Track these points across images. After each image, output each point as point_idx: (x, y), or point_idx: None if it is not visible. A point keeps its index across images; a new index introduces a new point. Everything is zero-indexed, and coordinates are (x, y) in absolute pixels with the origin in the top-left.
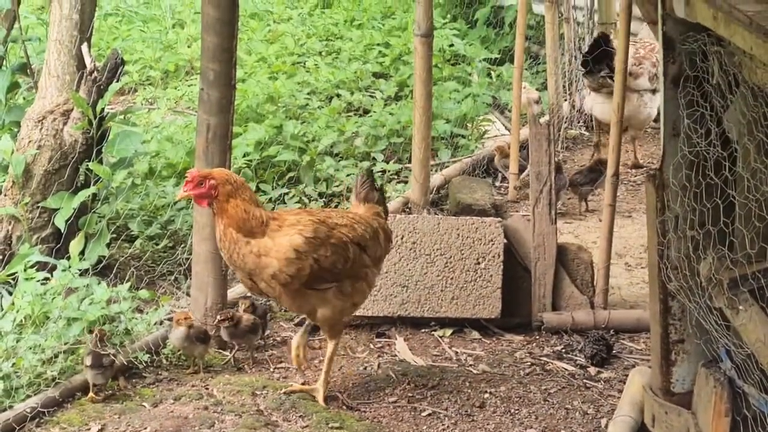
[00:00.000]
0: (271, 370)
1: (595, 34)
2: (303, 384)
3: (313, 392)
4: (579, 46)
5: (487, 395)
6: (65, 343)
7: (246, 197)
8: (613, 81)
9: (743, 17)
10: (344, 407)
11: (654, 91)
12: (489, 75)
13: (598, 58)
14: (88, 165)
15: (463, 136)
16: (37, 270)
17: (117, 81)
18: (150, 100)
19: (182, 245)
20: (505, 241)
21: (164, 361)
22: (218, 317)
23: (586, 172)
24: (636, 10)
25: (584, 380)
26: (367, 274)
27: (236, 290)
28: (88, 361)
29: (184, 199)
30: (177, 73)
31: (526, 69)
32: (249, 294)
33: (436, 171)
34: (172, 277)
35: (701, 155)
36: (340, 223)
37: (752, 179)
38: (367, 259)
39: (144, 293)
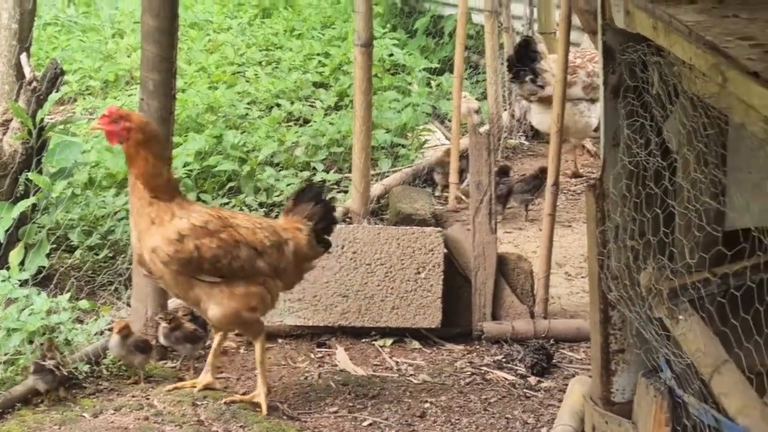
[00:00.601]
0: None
1: (518, 39)
2: (244, 394)
3: (255, 399)
4: None
5: (427, 405)
6: (5, 354)
7: (157, 152)
8: (538, 86)
9: (683, 27)
10: (285, 417)
11: (592, 101)
12: (429, 85)
13: (523, 63)
14: (27, 175)
15: (403, 146)
16: None
17: (56, 91)
18: (90, 110)
19: (123, 255)
20: (446, 250)
21: (105, 371)
22: (158, 316)
23: (529, 179)
24: (576, 20)
25: (524, 390)
26: (266, 281)
27: (177, 300)
28: (31, 368)
29: (95, 130)
30: (117, 83)
31: (465, 79)
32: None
33: (376, 181)
34: (113, 288)
35: (641, 165)
36: (242, 225)
37: (692, 189)
38: (264, 267)
39: (84, 303)
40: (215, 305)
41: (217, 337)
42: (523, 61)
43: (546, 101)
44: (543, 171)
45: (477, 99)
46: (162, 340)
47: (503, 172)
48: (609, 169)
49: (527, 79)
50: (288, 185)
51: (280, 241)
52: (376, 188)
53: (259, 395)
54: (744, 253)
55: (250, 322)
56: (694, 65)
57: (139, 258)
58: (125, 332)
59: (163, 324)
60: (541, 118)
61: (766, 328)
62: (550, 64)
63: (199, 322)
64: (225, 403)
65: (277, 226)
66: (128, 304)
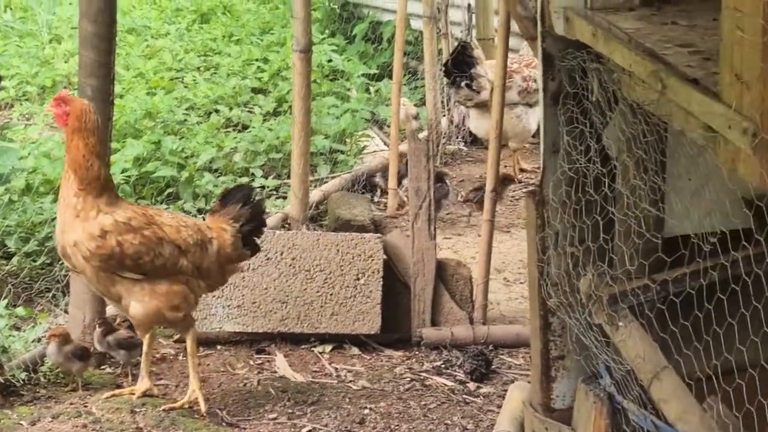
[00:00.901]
0: (150, 386)
1: (455, 44)
2: (181, 401)
3: (192, 397)
4: None
5: (366, 411)
6: None
7: (90, 143)
8: (474, 91)
9: (622, 35)
10: (224, 424)
11: (529, 105)
12: (367, 90)
13: (460, 68)
14: None
15: (342, 152)
16: None
17: None
18: (27, 116)
19: (60, 262)
20: (385, 256)
21: (42, 378)
22: (95, 321)
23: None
24: (515, 26)
25: (463, 395)
26: (188, 281)
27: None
28: None
29: (48, 113)
30: (54, 89)
31: (404, 84)
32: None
33: (315, 187)
34: (50, 294)
35: (581, 172)
36: (166, 223)
37: (631, 196)
38: (187, 265)
39: (21, 310)
40: (136, 302)
41: (145, 341)
42: (460, 66)
43: (483, 106)
44: (505, 178)
45: (415, 105)
46: (96, 346)
47: (439, 179)
48: (549, 176)
49: (463, 84)
50: None
51: (204, 240)
52: (315, 194)
53: (195, 391)
54: (683, 259)
55: (172, 320)
56: (633, 72)
57: (62, 250)
58: (63, 339)
59: (97, 330)
60: (478, 124)
61: (705, 335)
62: (486, 69)
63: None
64: (164, 410)
65: (201, 225)
66: (66, 311)
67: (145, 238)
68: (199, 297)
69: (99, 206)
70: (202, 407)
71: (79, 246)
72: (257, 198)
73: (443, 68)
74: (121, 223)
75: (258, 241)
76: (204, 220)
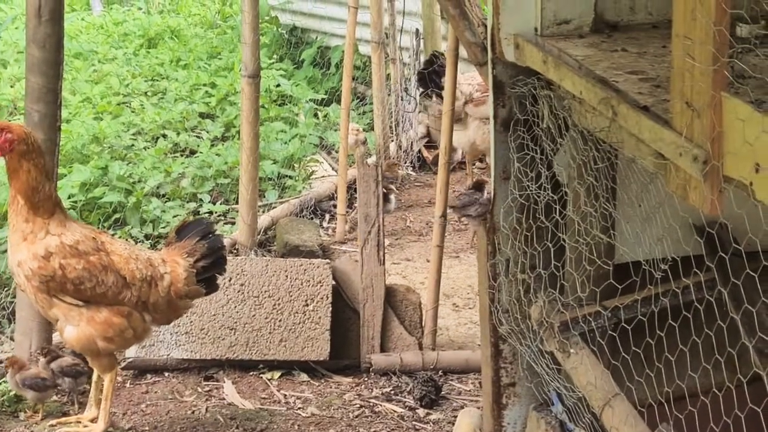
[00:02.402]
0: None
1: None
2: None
3: (90, 431)
4: (405, 87)
5: None
6: None
7: (40, 165)
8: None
9: (572, 62)
10: None
11: None
12: (316, 115)
13: (431, 79)
14: None
15: (291, 177)
16: None
17: None
18: None
19: (6, 288)
20: (334, 282)
21: None
22: (37, 351)
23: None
24: (463, 52)
25: (413, 422)
26: (131, 313)
27: None
28: None
29: None
30: (0, 113)
31: (353, 109)
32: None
33: (263, 212)
34: None
35: (532, 198)
36: (117, 252)
37: (582, 223)
38: (131, 298)
39: None
40: (72, 327)
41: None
42: (431, 77)
43: (458, 120)
44: (479, 183)
45: (364, 130)
46: (41, 374)
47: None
48: (499, 203)
49: (433, 96)
50: (174, 216)
51: (154, 276)
52: (264, 220)
53: (94, 430)
54: (634, 286)
55: (102, 351)
56: (584, 99)
57: (10, 268)
58: (16, 367)
59: (41, 358)
60: (457, 137)
61: (656, 362)
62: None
63: (82, 356)
64: (52, 424)
65: (155, 260)
66: (12, 338)
67: (90, 264)
68: (143, 331)
69: (48, 227)
70: None
71: (23, 266)
72: (215, 233)
73: (417, 76)
74: (68, 246)
75: (218, 278)
76: (151, 247)
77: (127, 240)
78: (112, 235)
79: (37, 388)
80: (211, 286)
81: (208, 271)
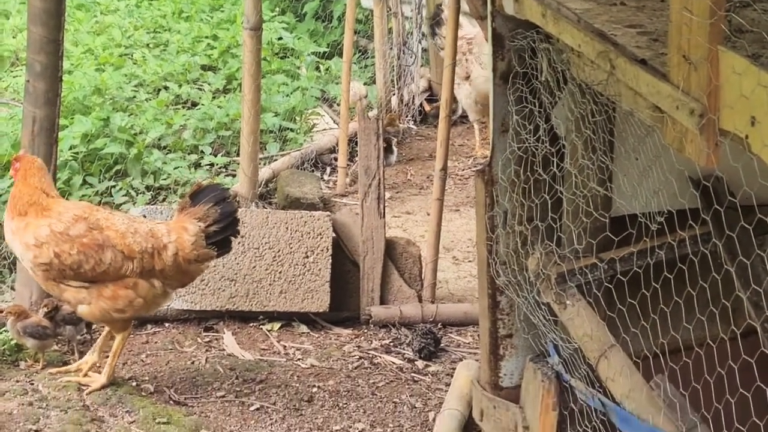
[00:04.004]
0: (97, 365)
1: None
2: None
3: (91, 382)
4: (405, 40)
5: (315, 389)
6: None
7: (33, 182)
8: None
9: (571, 15)
10: (171, 402)
11: None
12: (318, 69)
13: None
14: None
15: (292, 130)
16: None
17: None
18: None
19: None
20: (334, 235)
21: None
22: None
23: None
24: (464, 5)
25: (412, 374)
26: (136, 284)
27: None
28: None
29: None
30: (1, 64)
31: (354, 63)
32: None
33: (264, 164)
34: None
35: (530, 151)
36: (113, 227)
37: (579, 175)
38: (134, 270)
39: None
40: (84, 305)
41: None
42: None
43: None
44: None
45: (365, 84)
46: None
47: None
48: (498, 155)
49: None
50: (176, 168)
51: (156, 247)
52: (265, 172)
53: (96, 382)
54: (631, 239)
55: (117, 320)
56: (582, 52)
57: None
58: (19, 316)
59: (42, 308)
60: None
61: (652, 314)
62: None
63: None
64: (60, 380)
65: (158, 230)
66: (13, 288)
67: (84, 247)
68: (155, 296)
69: (37, 217)
70: (95, 387)
71: (23, 258)
72: (229, 199)
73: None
74: (58, 233)
75: (231, 240)
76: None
77: (128, 192)
78: (113, 186)
79: (37, 336)
80: (223, 248)
81: (220, 235)
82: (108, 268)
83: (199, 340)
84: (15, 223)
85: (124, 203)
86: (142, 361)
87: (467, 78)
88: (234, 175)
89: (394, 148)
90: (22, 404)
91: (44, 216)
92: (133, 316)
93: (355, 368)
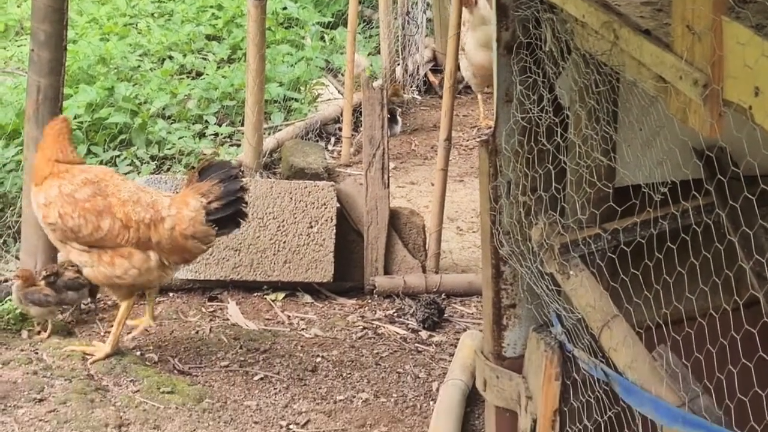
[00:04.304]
0: (102, 334)
1: None
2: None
3: (95, 351)
4: (410, 10)
5: (319, 359)
6: None
7: (47, 153)
8: None
9: None
10: (176, 371)
11: None
12: (322, 39)
13: None
14: None
15: (297, 100)
16: None
17: None
18: None
19: (12, 208)
20: (338, 205)
21: None
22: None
23: None
24: None
25: (416, 344)
26: (132, 254)
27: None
28: None
29: None
30: (6, 33)
31: (359, 33)
32: None
33: (269, 134)
34: (1, 240)
35: (533, 121)
36: (117, 195)
37: (583, 145)
38: (130, 239)
39: None
40: (87, 268)
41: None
42: None
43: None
44: None
45: (369, 54)
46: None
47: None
48: (502, 125)
49: None
50: (180, 138)
51: (154, 218)
52: (269, 142)
53: (100, 351)
54: (634, 209)
55: (119, 287)
56: (586, 22)
57: None
58: (26, 281)
59: (41, 273)
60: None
61: (655, 284)
62: None
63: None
64: (65, 350)
65: (160, 202)
66: (17, 257)
67: (85, 211)
68: (149, 269)
69: (53, 177)
70: (98, 357)
71: (38, 218)
72: (234, 177)
73: None
74: (65, 195)
75: (234, 220)
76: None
77: (132, 162)
78: (118, 156)
79: (40, 304)
80: (225, 227)
81: (221, 212)
82: (105, 235)
83: (204, 310)
84: (33, 191)
85: (129, 173)
86: (146, 330)
87: (463, 50)
88: (238, 145)
89: (399, 118)
90: (27, 373)
91: (58, 177)
92: (132, 285)
93: (359, 338)
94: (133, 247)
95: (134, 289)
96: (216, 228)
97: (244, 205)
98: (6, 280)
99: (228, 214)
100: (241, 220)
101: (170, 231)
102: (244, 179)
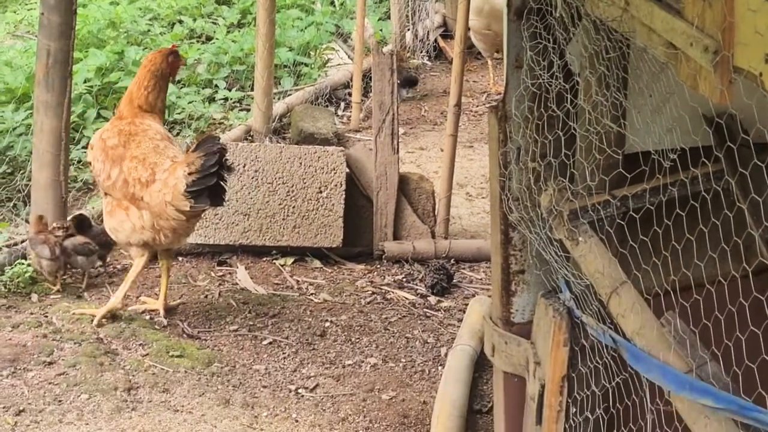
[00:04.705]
0: (111, 298)
1: None
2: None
3: (99, 311)
4: None
5: (328, 324)
6: None
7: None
8: None
9: None
10: (185, 335)
11: None
12: (332, 3)
13: None
14: None
15: (306, 65)
16: None
17: None
18: None
19: (21, 172)
20: (348, 170)
21: (2, 288)
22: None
23: None
24: None
25: (424, 309)
26: (128, 207)
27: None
28: None
29: None
30: None
31: None
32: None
33: (278, 99)
34: (11, 204)
35: (543, 87)
36: (131, 150)
37: (593, 112)
38: (126, 193)
39: None
40: (104, 215)
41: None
42: None
43: None
44: None
45: (380, 19)
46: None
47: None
48: (511, 91)
49: None
50: (190, 102)
51: (149, 179)
52: (279, 107)
53: (103, 307)
54: (644, 175)
55: (120, 240)
56: None
57: None
58: (35, 226)
59: (54, 226)
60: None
61: (664, 251)
62: None
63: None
64: (73, 313)
65: (160, 166)
66: (27, 221)
67: (106, 158)
68: (142, 229)
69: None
70: (95, 320)
71: None
72: (212, 153)
73: None
74: (100, 140)
75: (207, 194)
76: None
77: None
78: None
79: (42, 255)
80: (200, 201)
81: (197, 186)
82: (113, 184)
83: (213, 274)
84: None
85: None
86: (156, 294)
87: None
88: (248, 110)
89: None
90: (37, 336)
91: (111, 122)
92: (128, 242)
93: (368, 303)
94: (130, 202)
95: (139, 247)
96: (192, 200)
97: (223, 182)
98: (16, 243)
99: (203, 188)
100: (222, 198)
101: (157, 194)
102: (226, 158)
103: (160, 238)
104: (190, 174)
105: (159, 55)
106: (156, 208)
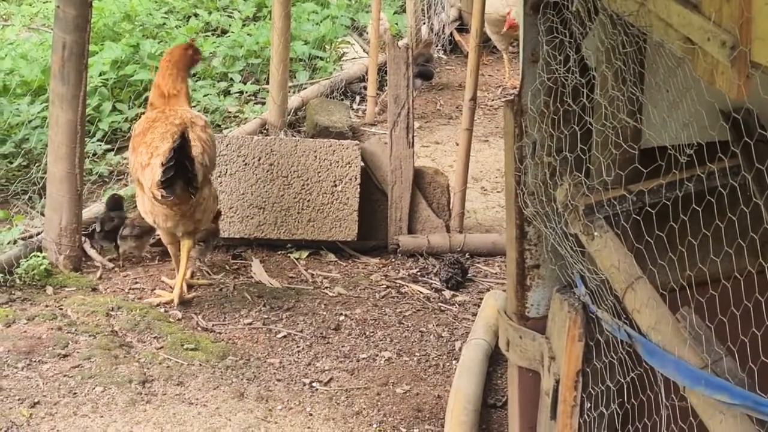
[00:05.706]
0: (126, 290)
1: None
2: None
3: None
4: None
5: (342, 317)
6: None
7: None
8: None
9: None
10: (199, 328)
11: None
12: None
13: None
14: None
15: (322, 58)
16: None
17: None
18: (4, 17)
19: (37, 164)
20: (363, 164)
21: (18, 281)
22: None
23: None
24: None
25: (439, 303)
26: (141, 191)
27: (91, 210)
28: None
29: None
30: None
31: None
32: None
33: (293, 93)
34: (27, 197)
35: (560, 82)
36: (145, 137)
37: (609, 106)
38: (134, 178)
39: None
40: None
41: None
42: None
43: None
44: None
45: (395, 13)
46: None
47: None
48: (527, 85)
49: None
50: (205, 95)
51: (146, 162)
52: (294, 100)
53: (175, 290)
54: (660, 171)
55: (165, 229)
56: None
57: None
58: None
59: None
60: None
61: (679, 246)
62: None
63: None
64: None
65: (158, 150)
66: (42, 214)
67: (133, 145)
68: (145, 209)
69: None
70: (175, 302)
71: None
72: (176, 147)
73: None
74: (133, 129)
75: (175, 185)
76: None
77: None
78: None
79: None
80: (170, 190)
81: (165, 175)
82: (131, 168)
83: (228, 268)
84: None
85: None
86: (171, 287)
87: None
88: (263, 103)
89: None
90: (51, 329)
91: (145, 113)
92: (147, 219)
93: (383, 297)
94: (138, 186)
95: (163, 234)
96: (164, 189)
97: (189, 173)
98: (31, 236)
99: (171, 177)
100: (190, 189)
101: (148, 180)
102: (193, 149)
103: (159, 222)
104: (162, 163)
105: (178, 48)
106: (148, 193)
